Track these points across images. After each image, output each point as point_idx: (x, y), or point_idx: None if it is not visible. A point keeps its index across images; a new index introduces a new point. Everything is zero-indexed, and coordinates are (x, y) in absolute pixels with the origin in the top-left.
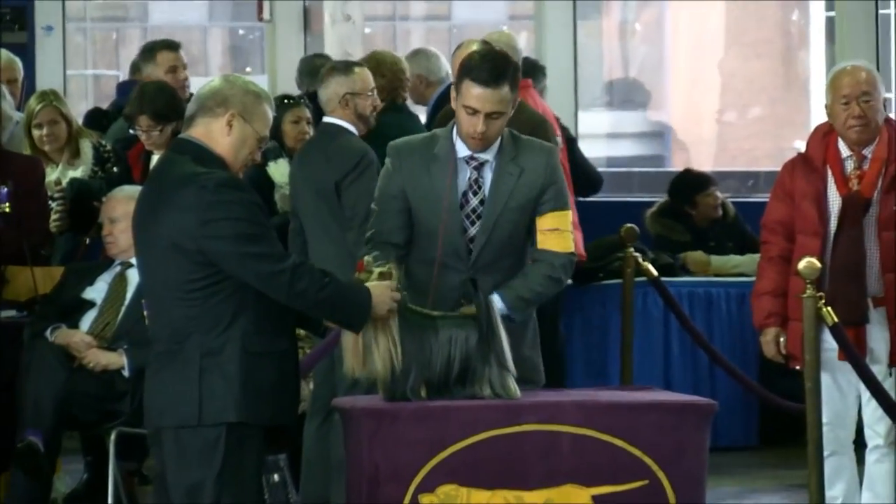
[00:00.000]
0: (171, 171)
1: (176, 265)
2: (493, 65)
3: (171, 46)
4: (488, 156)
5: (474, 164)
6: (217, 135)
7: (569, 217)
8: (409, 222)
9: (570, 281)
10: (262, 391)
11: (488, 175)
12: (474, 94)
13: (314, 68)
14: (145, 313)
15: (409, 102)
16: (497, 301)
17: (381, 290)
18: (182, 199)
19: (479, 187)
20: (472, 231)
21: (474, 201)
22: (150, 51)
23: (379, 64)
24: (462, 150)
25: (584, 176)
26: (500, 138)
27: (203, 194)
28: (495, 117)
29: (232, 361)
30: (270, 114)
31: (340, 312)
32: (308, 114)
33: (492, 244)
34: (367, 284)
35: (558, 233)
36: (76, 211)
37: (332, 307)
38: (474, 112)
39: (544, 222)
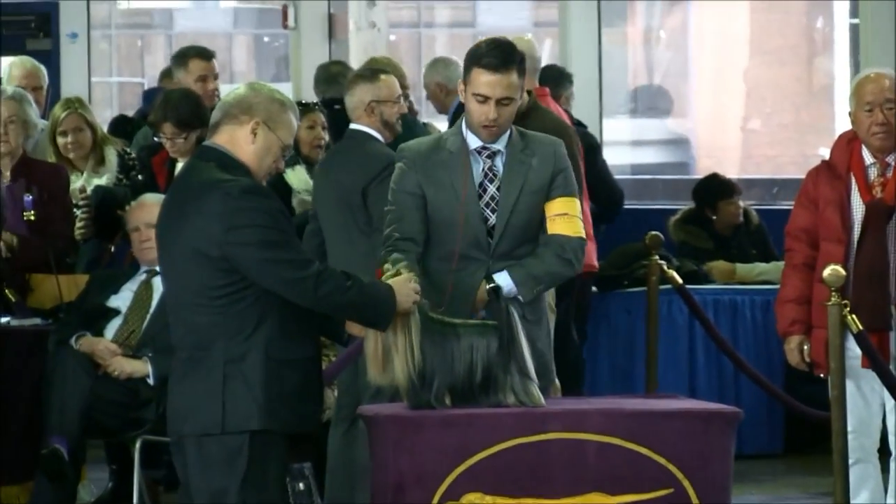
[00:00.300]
0: (196, 178)
1: (200, 272)
2: (501, 51)
3: (204, 55)
4: (499, 146)
5: (486, 153)
6: (241, 142)
7: (577, 204)
8: (426, 219)
9: (595, 289)
10: (285, 398)
11: (501, 164)
12: (484, 80)
13: (331, 75)
14: (168, 317)
15: (431, 110)
16: (505, 279)
17: (402, 284)
18: (206, 205)
19: (495, 175)
20: (492, 220)
21: (492, 189)
22: (183, 57)
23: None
24: (473, 142)
25: (606, 189)
26: (509, 131)
27: (227, 201)
28: (505, 103)
29: (255, 368)
30: (295, 122)
31: (366, 312)
32: (323, 119)
33: (510, 231)
34: (388, 280)
35: (567, 217)
36: (100, 218)
37: (358, 308)
38: (485, 99)
39: (553, 207)
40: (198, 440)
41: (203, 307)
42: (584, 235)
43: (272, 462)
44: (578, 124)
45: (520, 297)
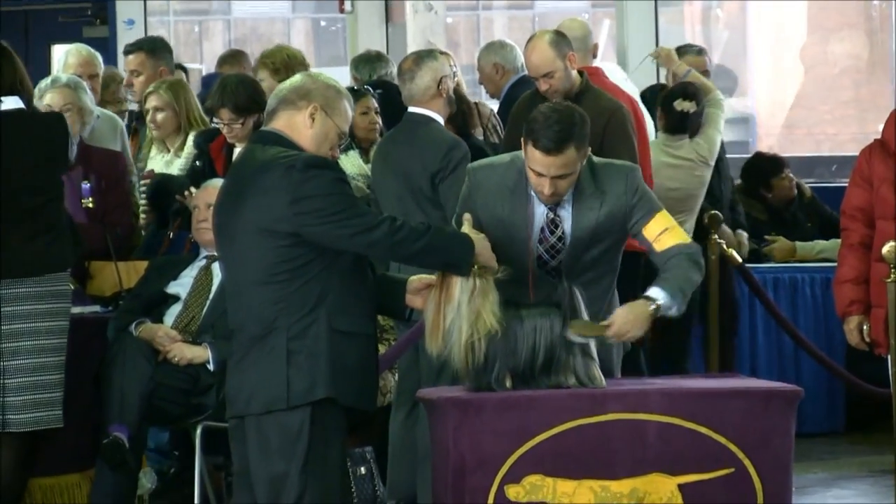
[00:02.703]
0: (255, 159)
1: (262, 250)
2: (557, 129)
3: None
4: (566, 195)
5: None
6: (300, 126)
7: (668, 215)
8: None
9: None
10: (346, 370)
11: (565, 212)
12: (538, 159)
13: (370, 57)
14: (227, 306)
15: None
16: (659, 294)
17: (483, 239)
18: (269, 181)
19: (557, 226)
20: (553, 263)
21: (552, 238)
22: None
23: (290, 63)
24: None
25: None
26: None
27: (291, 174)
28: (563, 178)
29: (319, 340)
30: (350, 111)
31: (445, 255)
32: (375, 104)
33: (577, 269)
34: (468, 233)
35: (669, 231)
36: (155, 206)
37: (437, 251)
38: (540, 175)
39: (651, 231)
40: (259, 420)
41: (265, 285)
42: (691, 241)
43: (333, 443)
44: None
45: (677, 312)
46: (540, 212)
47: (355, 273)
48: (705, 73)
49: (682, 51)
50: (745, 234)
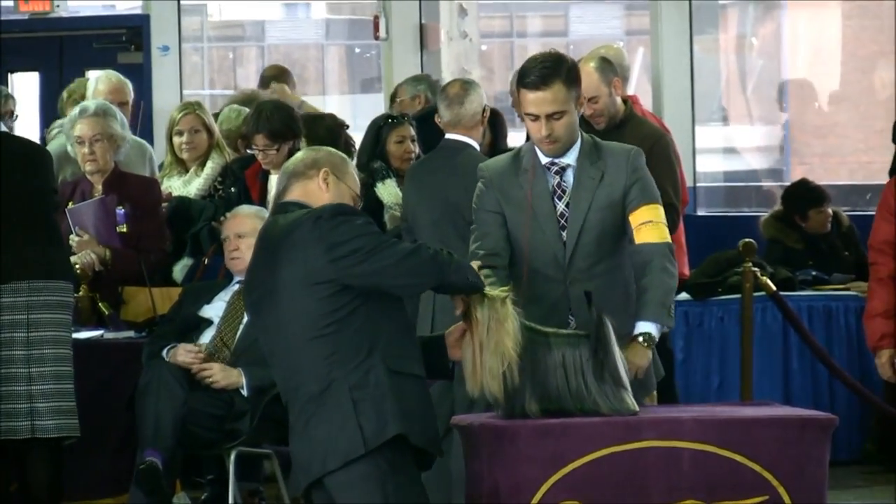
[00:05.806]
0: (278, 226)
1: (306, 305)
2: (543, 66)
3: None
4: (569, 160)
5: (555, 168)
6: (316, 192)
7: (660, 209)
8: (508, 236)
9: (687, 296)
10: (411, 409)
11: (570, 179)
12: (529, 99)
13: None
14: (275, 376)
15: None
16: (646, 325)
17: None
18: (299, 236)
19: (563, 192)
20: (564, 236)
21: (560, 206)
22: None
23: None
24: (544, 158)
25: None
26: (580, 142)
27: (320, 224)
28: (557, 118)
29: (380, 384)
30: (356, 175)
31: (468, 272)
32: (412, 132)
33: (582, 249)
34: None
35: (652, 224)
36: (173, 229)
37: (464, 269)
38: (535, 118)
39: (637, 217)
40: (336, 476)
41: (316, 340)
42: (670, 240)
43: (414, 479)
44: None
45: (668, 328)
46: (549, 181)
47: (401, 316)
48: None
49: None
50: None
